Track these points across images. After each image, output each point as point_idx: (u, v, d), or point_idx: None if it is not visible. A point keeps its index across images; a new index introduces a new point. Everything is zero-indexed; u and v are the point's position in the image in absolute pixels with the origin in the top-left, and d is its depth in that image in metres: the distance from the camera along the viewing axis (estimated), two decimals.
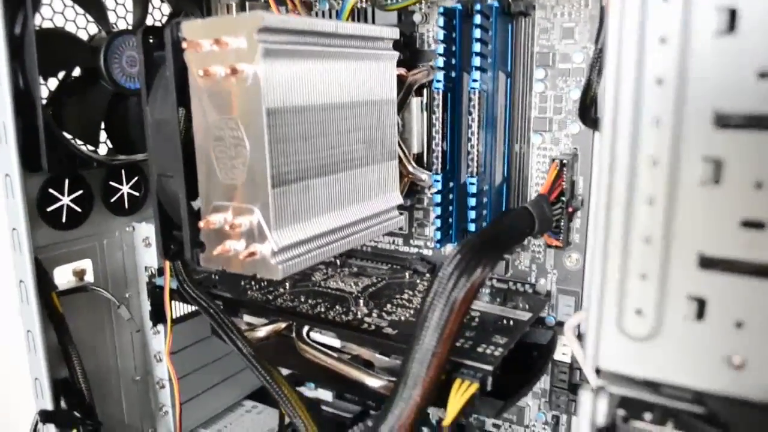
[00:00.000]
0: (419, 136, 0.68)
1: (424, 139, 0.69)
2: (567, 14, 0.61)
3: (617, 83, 0.31)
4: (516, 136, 0.64)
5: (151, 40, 0.53)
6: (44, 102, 0.61)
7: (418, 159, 0.70)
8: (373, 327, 0.57)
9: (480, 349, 0.52)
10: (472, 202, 0.59)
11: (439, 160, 0.60)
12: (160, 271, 0.73)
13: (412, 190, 0.71)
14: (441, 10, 0.58)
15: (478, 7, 0.56)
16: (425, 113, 0.69)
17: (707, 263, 0.31)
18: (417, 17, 0.68)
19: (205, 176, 0.51)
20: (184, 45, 0.48)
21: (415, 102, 0.67)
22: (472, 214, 0.59)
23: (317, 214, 0.53)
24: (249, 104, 0.47)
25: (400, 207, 0.64)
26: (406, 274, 0.70)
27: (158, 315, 0.73)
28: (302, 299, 0.63)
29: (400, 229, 0.74)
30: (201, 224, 0.50)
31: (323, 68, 0.52)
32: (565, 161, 0.61)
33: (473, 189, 0.59)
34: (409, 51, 0.68)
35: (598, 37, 0.53)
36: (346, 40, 0.55)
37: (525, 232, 0.53)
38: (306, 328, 0.60)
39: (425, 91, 0.69)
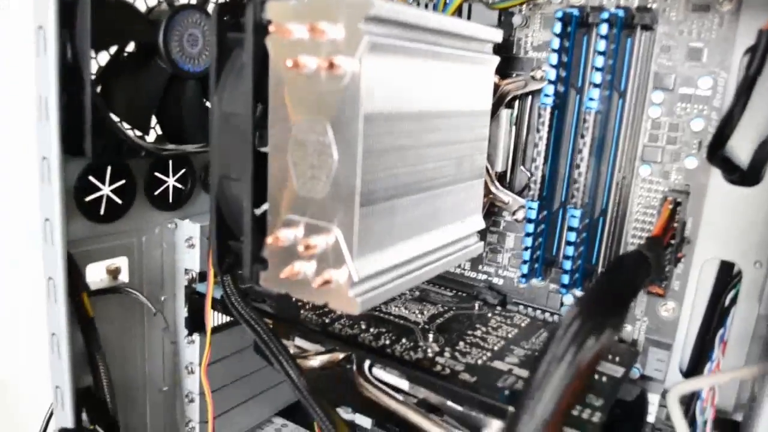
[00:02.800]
0: (505, 153, 0.61)
1: (510, 157, 0.61)
2: (695, 33, 0.53)
3: None
4: (621, 164, 0.57)
5: (226, 19, 0.46)
6: (93, 79, 0.54)
7: (501, 178, 0.62)
8: (447, 371, 0.49)
9: (575, 413, 0.45)
10: (572, 236, 0.52)
11: (538, 185, 0.53)
12: (202, 276, 0.65)
13: (488, 211, 0.63)
14: (558, 14, 0.50)
15: (604, 15, 0.49)
16: (514, 128, 0.61)
17: None
18: (517, 19, 0.60)
19: (277, 184, 0.44)
20: (271, 28, 0.41)
21: (504, 114, 0.60)
22: (570, 250, 0.52)
23: (400, 240, 0.46)
24: (343, 106, 0.40)
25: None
26: (476, 304, 0.63)
27: (195, 324, 0.66)
28: (362, 326, 0.56)
29: None
30: (268, 240, 0.43)
31: (425, 70, 0.45)
32: (679, 200, 0.53)
33: (575, 222, 0.51)
34: (503, 56, 0.61)
35: (749, 65, 0.45)
36: (450, 39, 0.47)
37: (643, 282, 0.46)
38: (368, 363, 0.53)
39: (516, 103, 0.61)
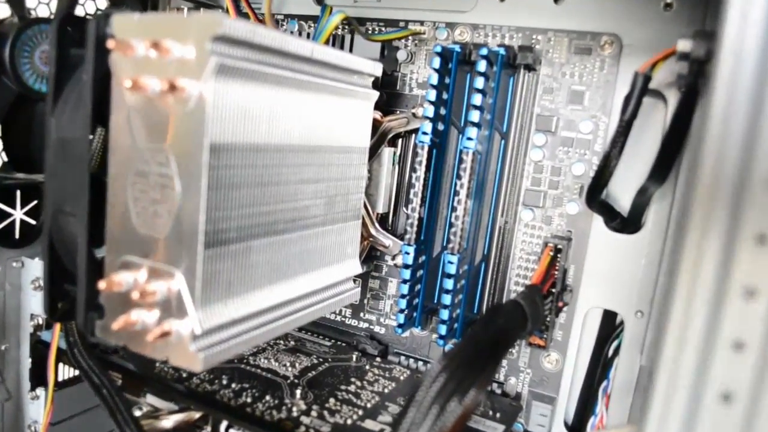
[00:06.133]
0: (387, 194, 0.58)
1: (392, 198, 0.58)
2: (577, 76, 0.53)
3: None
4: (503, 208, 0.55)
5: (70, 33, 0.41)
6: None
7: (382, 220, 0.59)
8: None
9: None
10: (449, 284, 0.48)
11: (414, 228, 0.49)
12: (49, 324, 0.58)
13: (370, 255, 0.60)
14: (438, 49, 0.48)
15: (483, 51, 0.47)
16: (397, 167, 0.58)
17: None
18: (401, 55, 0.58)
19: (115, 220, 0.38)
20: (110, 44, 0.36)
21: (387, 153, 0.57)
22: (447, 299, 0.49)
23: (258, 286, 0.41)
24: (187, 134, 0.35)
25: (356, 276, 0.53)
26: (353, 355, 0.58)
27: (39, 377, 0.58)
28: (224, 381, 0.50)
29: None
30: (101, 284, 0.37)
31: (288, 99, 0.41)
32: (560, 247, 0.51)
33: (452, 269, 0.48)
34: (386, 92, 0.58)
35: (625, 108, 0.44)
36: (321, 68, 0.44)
37: (518, 335, 0.43)
38: (225, 424, 0.47)
39: (399, 141, 0.58)
